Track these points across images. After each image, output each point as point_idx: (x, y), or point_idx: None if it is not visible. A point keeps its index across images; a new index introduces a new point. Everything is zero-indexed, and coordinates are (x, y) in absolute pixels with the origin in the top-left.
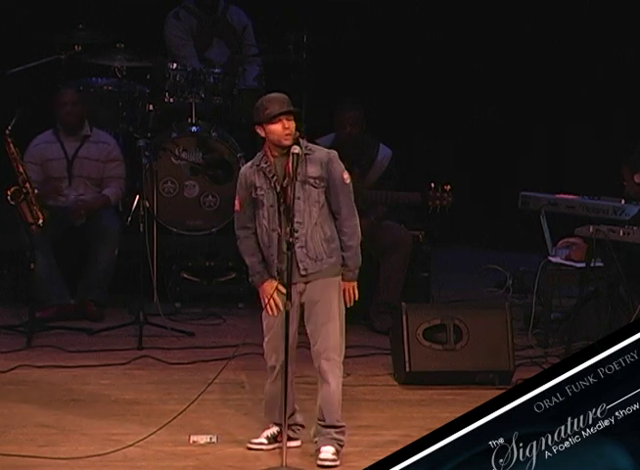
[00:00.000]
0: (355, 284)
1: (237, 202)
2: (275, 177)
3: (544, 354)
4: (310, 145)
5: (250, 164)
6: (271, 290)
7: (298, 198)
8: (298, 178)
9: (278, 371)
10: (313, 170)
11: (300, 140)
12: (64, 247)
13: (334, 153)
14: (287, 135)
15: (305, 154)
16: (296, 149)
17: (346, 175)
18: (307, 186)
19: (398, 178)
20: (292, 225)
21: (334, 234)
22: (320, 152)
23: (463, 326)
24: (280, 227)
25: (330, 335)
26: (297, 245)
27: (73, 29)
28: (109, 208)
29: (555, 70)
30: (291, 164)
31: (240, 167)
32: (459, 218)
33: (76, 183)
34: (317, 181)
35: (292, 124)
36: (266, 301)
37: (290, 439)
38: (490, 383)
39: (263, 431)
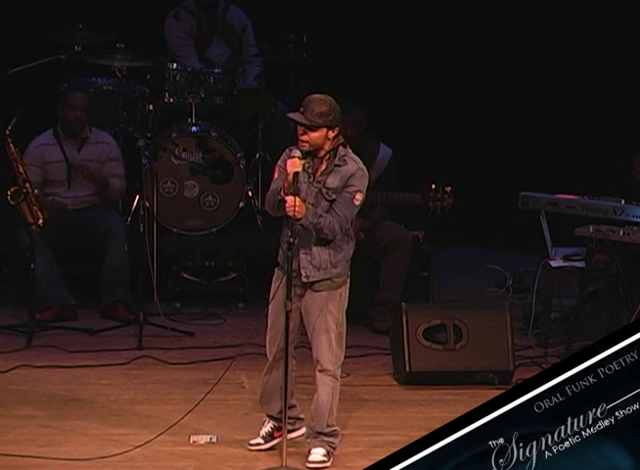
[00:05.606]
0: (303, 207)
1: (277, 169)
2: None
3: (544, 354)
4: (349, 156)
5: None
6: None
7: (311, 203)
8: (316, 185)
9: (270, 364)
10: (332, 181)
11: (341, 148)
12: (64, 247)
13: (364, 172)
14: (301, 140)
15: (335, 164)
16: (297, 158)
17: (359, 196)
18: (320, 196)
19: (395, 178)
20: (292, 226)
21: (342, 245)
22: (352, 166)
23: (463, 326)
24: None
25: (324, 347)
26: (301, 251)
27: (73, 29)
28: (106, 202)
29: (555, 71)
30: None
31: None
32: (459, 218)
33: (76, 186)
34: (330, 193)
35: (308, 134)
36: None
37: (288, 431)
38: (490, 383)
39: (259, 430)
